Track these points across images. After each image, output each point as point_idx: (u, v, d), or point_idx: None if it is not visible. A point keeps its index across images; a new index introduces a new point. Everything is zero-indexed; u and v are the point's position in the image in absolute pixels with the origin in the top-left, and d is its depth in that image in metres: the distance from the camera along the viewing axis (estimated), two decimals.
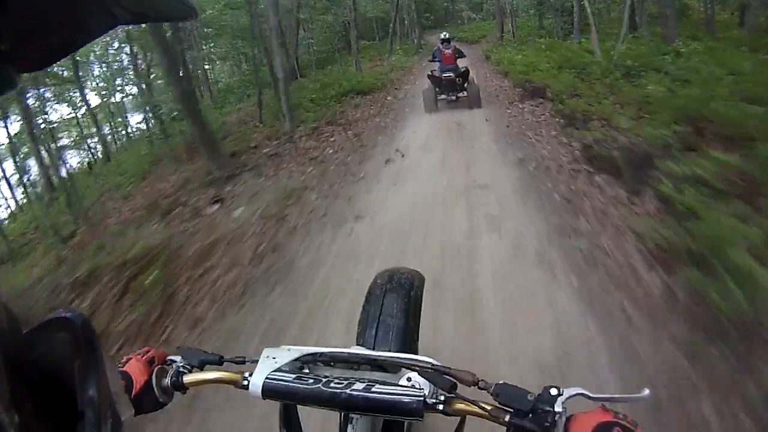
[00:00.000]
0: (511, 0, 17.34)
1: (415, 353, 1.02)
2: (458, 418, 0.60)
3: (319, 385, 0.58)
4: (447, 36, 7.66)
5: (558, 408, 0.51)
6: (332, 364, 0.65)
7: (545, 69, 8.30)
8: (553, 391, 0.52)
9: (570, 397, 0.52)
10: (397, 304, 1.05)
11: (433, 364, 0.59)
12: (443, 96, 7.28)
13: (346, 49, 18.60)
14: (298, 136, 6.96)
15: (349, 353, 0.64)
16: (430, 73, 7.32)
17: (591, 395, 0.51)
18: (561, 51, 9.79)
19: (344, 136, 6.71)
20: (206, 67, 17.84)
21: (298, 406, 0.69)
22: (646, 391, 0.51)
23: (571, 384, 0.53)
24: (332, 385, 0.58)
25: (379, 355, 0.64)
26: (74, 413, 0.26)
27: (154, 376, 0.62)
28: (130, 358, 0.65)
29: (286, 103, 7.29)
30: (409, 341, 1.00)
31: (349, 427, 0.70)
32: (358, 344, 1.00)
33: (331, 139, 6.68)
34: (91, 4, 0.25)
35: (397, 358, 0.63)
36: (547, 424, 0.50)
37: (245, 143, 7.40)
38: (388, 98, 9.64)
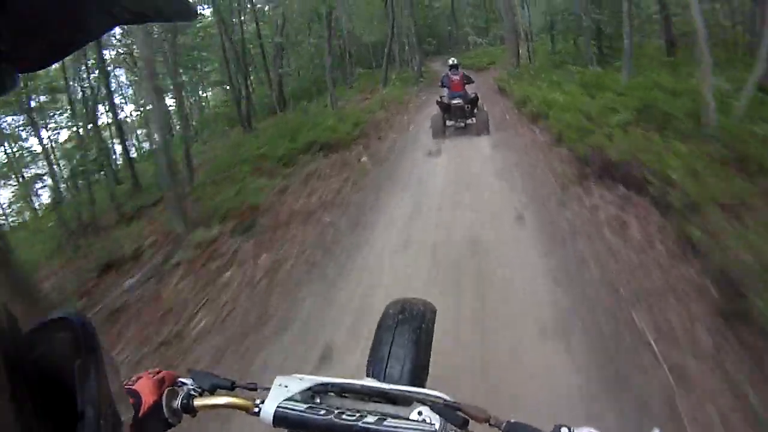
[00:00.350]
0: (528, 19, 14.99)
1: (424, 385, 1.02)
2: None
3: (331, 416, 0.58)
4: (455, 62, 7.64)
5: None
6: (343, 395, 0.65)
7: (614, 122, 4.90)
8: (564, 431, 0.52)
9: None
10: (408, 336, 1.05)
11: (445, 400, 0.59)
12: (451, 122, 7.30)
13: (342, 78, 17.07)
14: (176, 261, 3.94)
15: (361, 385, 0.64)
16: (438, 99, 7.34)
17: None
18: (618, 89, 6.26)
19: (251, 272, 3.53)
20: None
21: None
22: (656, 431, 0.51)
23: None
24: (344, 417, 0.58)
25: (391, 388, 0.64)
26: (74, 413, 0.26)
27: (164, 396, 0.62)
28: (141, 377, 0.65)
29: (187, 170, 4.98)
30: (419, 373, 1.01)
31: None
32: (368, 374, 1.01)
33: (224, 277, 3.54)
34: (91, 4, 0.25)
35: (409, 391, 0.63)
36: None
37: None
38: (363, 158, 6.37)
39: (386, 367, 0.99)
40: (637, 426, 1.67)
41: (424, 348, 1.07)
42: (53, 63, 0.27)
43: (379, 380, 0.86)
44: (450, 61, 7.71)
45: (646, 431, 0.55)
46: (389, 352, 1.02)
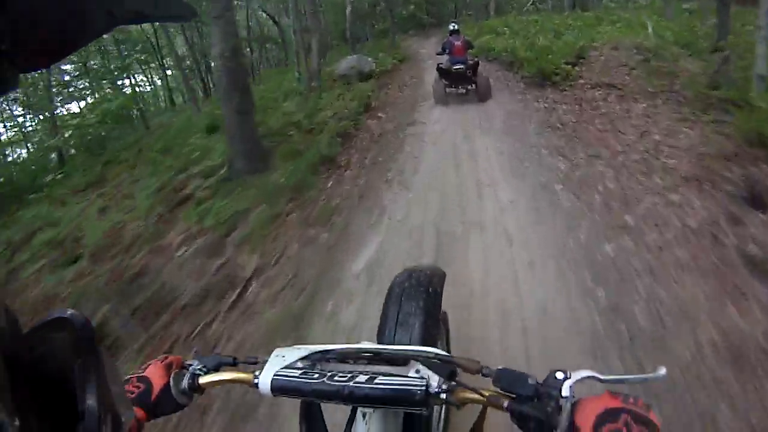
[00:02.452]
0: None
1: (436, 346, 1.03)
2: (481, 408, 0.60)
3: (324, 379, 0.59)
4: (456, 27, 7.53)
5: (565, 392, 0.48)
6: (346, 360, 0.66)
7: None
8: (560, 375, 0.50)
9: (578, 380, 0.50)
10: (415, 302, 1.07)
11: (437, 354, 0.60)
12: (452, 89, 7.19)
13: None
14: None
15: (356, 348, 0.65)
16: (439, 65, 7.20)
17: (601, 377, 0.49)
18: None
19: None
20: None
21: (322, 405, 0.71)
22: (662, 371, 0.48)
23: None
24: (336, 378, 0.58)
25: (384, 348, 0.65)
26: (74, 413, 0.26)
27: (171, 379, 0.65)
28: (150, 364, 0.68)
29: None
30: (427, 337, 1.02)
31: (362, 422, 0.70)
32: (378, 342, 1.02)
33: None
34: (91, 4, 0.25)
35: (402, 350, 0.64)
36: (550, 409, 0.48)
37: None
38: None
39: (395, 332, 1.01)
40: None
41: (432, 312, 1.08)
42: (53, 63, 0.27)
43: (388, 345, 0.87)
44: (451, 26, 7.64)
45: (650, 370, 0.50)
46: (397, 319, 1.04)
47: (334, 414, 0.74)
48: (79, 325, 0.28)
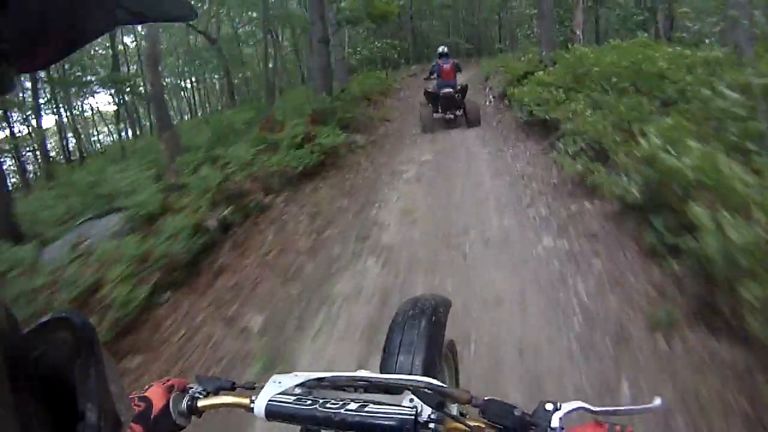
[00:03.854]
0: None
1: (436, 376, 1.04)
2: None
3: (316, 405, 0.61)
4: (445, 50, 7.43)
5: (555, 424, 0.48)
6: (343, 388, 0.68)
7: None
8: (549, 407, 0.50)
9: (568, 412, 0.49)
10: (418, 331, 1.08)
11: (429, 384, 0.60)
12: (440, 114, 7.04)
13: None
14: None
15: (348, 377, 0.67)
16: (426, 89, 7.09)
17: (592, 408, 0.49)
18: None
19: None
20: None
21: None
22: (657, 401, 0.48)
23: None
24: (328, 405, 0.61)
25: (378, 377, 0.66)
26: (74, 413, 0.26)
27: (171, 400, 0.68)
28: (151, 385, 0.71)
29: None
30: (429, 366, 1.03)
31: None
32: (381, 370, 1.04)
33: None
34: (92, 4, 0.25)
35: (395, 379, 0.65)
36: None
37: None
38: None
39: (396, 361, 1.02)
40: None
41: (435, 341, 1.09)
42: (53, 63, 0.27)
43: (389, 374, 0.87)
44: (440, 49, 7.47)
45: (647, 401, 0.48)
46: (399, 347, 1.05)
47: None
48: (79, 325, 0.28)
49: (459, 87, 6.86)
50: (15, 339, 0.24)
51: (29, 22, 0.23)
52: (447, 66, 7.07)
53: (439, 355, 1.10)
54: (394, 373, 0.96)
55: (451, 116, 7.03)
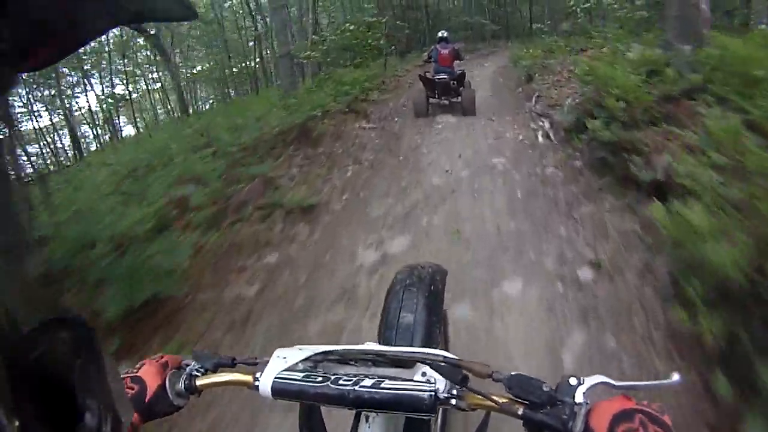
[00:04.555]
0: None
1: (437, 346, 1.01)
2: (484, 413, 0.59)
3: (328, 382, 0.57)
4: (445, 35, 7.18)
5: (579, 399, 0.48)
6: (349, 362, 0.64)
7: None
8: (573, 381, 0.50)
9: (591, 386, 0.49)
10: (417, 300, 1.04)
11: (445, 357, 0.57)
12: (435, 100, 6.86)
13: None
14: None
15: (359, 350, 0.63)
16: (421, 74, 6.87)
17: (614, 383, 0.49)
18: None
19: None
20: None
21: (322, 407, 0.69)
22: (676, 377, 0.48)
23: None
24: (341, 382, 0.57)
25: (390, 350, 0.63)
26: (74, 413, 0.26)
27: (168, 379, 0.63)
28: (144, 363, 0.65)
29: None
30: (429, 336, 1.00)
31: (365, 425, 0.68)
32: (379, 342, 1.00)
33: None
34: (92, 4, 0.25)
35: (408, 352, 0.61)
36: (565, 417, 0.47)
37: None
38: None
39: (396, 332, 0.99)
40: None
41: (434, 311, 1.06)
42: (53, 63, 0.27)
43: (390, 345, 0.85)
44: (440, 34, 7.21)
45: (663, 376, 0.49)
46: (398, 318, 1.01)
47: (333, 416, 0.73)
48: (79, 325, 0.28)
49: (456, 73, 6.67)
50: (15, 339, 0.24)
51: (29, 22, 0.23)
52: (445, 52, 6.83)
53: (438, 326, 1.07)
54: (394, 345, 0.92)
55: (446, 102, 6.84)
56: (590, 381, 0.50)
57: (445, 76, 6.58)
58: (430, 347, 0.74)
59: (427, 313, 1.03)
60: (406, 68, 11.32)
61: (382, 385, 0.55)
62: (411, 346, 0.95)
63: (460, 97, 6.73)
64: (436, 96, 6.84)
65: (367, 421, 0.68)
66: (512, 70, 9.16)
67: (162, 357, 0.67)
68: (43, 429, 0.24)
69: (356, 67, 10.31)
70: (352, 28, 10.54)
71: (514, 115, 5.90)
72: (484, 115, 6.18)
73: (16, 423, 0.21)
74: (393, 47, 13.20)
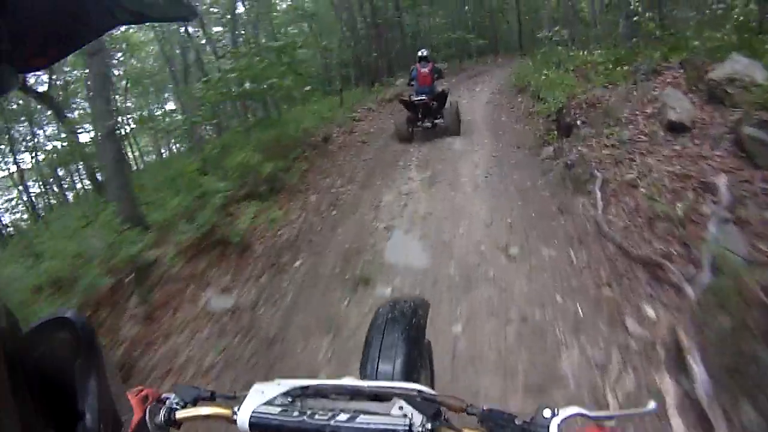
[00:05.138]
0: None
1: (418, 380, 1.03)
2: None
3: (304, 417, 0.59)
4: (425, 53, 6.79)
5: (554, 430, 0.49)
6: (327, 396, 0.66)
7: None
8: (547, 413, 0.51)
9: (566, 418, 0.50)
10: (399, 334, 1.07)
11: (420, 391, 0.59)
12: (418, 123, 6.52)
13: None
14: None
15: (335, 385, 0.65)
16: (401, 97, 6.61)
17: (590, 414, 0.50)
18: None
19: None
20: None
21: None
22: (652, 404, 0.49)
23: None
24: (316, 417, 0.59)
25: (366, 385, 0.65)
26: (74, 413, 0.26)
27: (147, 412, 0.64)
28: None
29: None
30: (411, 369, 1.02)
31: None
32: (361, 375, 1.02)
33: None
34: (92, 4, 0.25)
35: (384, 386, 0.63)
36: None
37: None
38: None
39: (377, 366, 1.00)
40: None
41: (416, 344, 1.08)
42: (53, 63, 0.27)
43: (371, 379, 0.86)
44: (420, 53, 6.83)
45: (641, 405, 0.49)
46: (379, 352, 1.03)
47: None
48: (79, 325, 0.28)
49: (437, 93, 6.44)
50: (15, 339, 0.24)
51: (29, 22, 0.23)
52: (424, 71, 6.56)
53: (420, 360, 1.09)
54: (376, 379, 0.94)
55: (428, 125, 6.48)
56: (565, 413, 0.50)
57: (425, 97, 6.29)
58: (411, 380, 0.74)
59: (409, 347, 1.04)
60: (367, 106, 8.96)
61: (357, 420, 0.57)
62: (392, 379, 0.97)
63: (442, 118, 6.37)
64: (419, 119, 6.49)
65: None
66: (511, 93, 8.03)
67: (141, 390, 0.68)
68: (43, 429, 0.24)
69: (264, 126, 7.00)
70: (243, 62, 6.30)
71: (551, 239, 2.79)
72: (487, 235, 3.04)
73: (18, 423, 0.21)
74: (357, 77, 11.44)
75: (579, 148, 3.79)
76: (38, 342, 0.27)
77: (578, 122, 4.19)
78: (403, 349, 1.03)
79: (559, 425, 0.49)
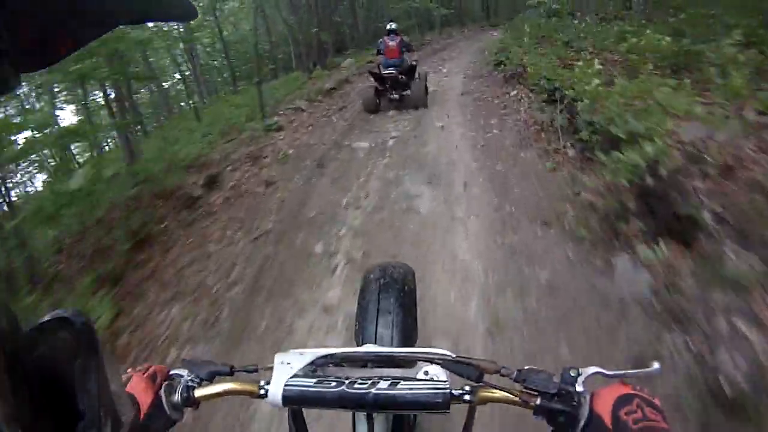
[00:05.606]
0: None
1: (414, 344, 1.03)
2: (467, 408, 0.62)
3: (343, 387, 0.57)
4: (393, 26, 6.85)
5: (579, 387, 0.54)
6: (344, 364, 0.64)
7: None
8: (573, 372, 0.55)
9: (588, 376, 0.55)
10: (393, 299, 1.06)
11: (450, 356, 0.60)
12: (386, 95, 6.63)
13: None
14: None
15: (364, 352, 0.64)
16: (370, 70, 6.75)
17: (607, 373, 0.54)
18: None
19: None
20: None
21: (304, 410, 0.69)
22: (656, 365, 0.54)
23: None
24: (356, 386, 0.57)
25: (397, 351, 0.64)
26: (74, 413, 0.26)
27: (162, 392, 0.59)
28: (130, 377, 0.61)
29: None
30: (409, 335, 1.01)
31: (366, 425, 0.69)
32: (357, 343, 1.01)
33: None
34: (92, 4, 0.25)
35: (416, 352, 0.62)
36: (574, 403, 0.53)
37: None
38: None
39: (376, 331, 0.99)
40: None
41: (410, 309, 1.08)
42: (54, 63, 0.27)
43: (375, 345, 0.86)
44: (388, 26, 6.91)
45: (646, 365, 0.52)
46: (377, 317, 1.02)
47: (313, 417, 0.72)
48: (79, 325, 0.28)
49: (406, 66, 6.53)
50: (15, 339, 0.24)
51: (30, 21, 0.23)
52: (392, 43, 6.65)
53: (414, 325, 1.08)
54: (374, 344, 0.93)
55: (396, 96, 6.54)
56: (586, 371, 0.55)
57: (393, 70, 6.39)
58: (408, 346, 0.74)
59: (404, 313, 1.04)
60: (295, 105, 6.91)
61: (398, 387, 0.56)
62: (393, 344, 0.97)
63: (410, 90, 6.48)
64: (387, 91, 6.61)
65: (369, 420, 0.69)
66: (493, 79, 6.83)
67: (149, 368, 0.62)
68: (43, 429, 0.24)
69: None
70: None
71: None
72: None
73: (17, 423, 0.21)
74: (299, 57, 8.74)
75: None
76: (38, 342, 0.27)
77: (712, 221, 1.86)
78: (399, 315, 1.02)
79: (583, 382, 0.54)
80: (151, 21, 0.30)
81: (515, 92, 5.52)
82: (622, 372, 0.54)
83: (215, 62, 15.66)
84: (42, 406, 0.24)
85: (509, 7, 15.53)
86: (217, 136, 5.29)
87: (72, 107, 11.91)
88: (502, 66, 6.81)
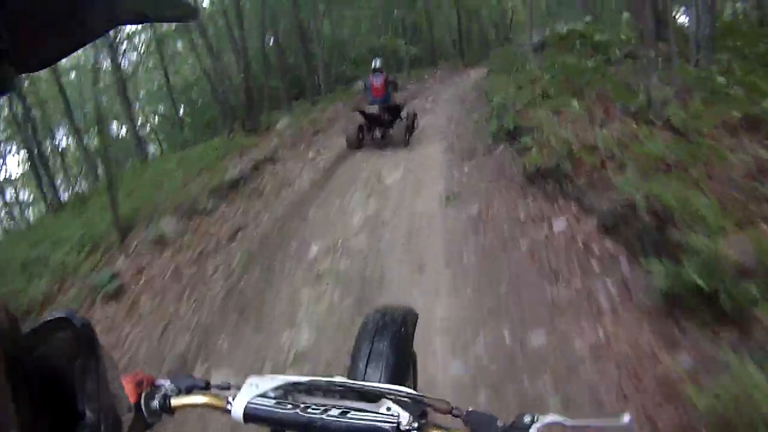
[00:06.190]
0: None
1: (405, 386, 1.06)
2: None
3: (297, 410, 0.61)
4: (378, 65, 6.91)
5: None
6: (317, 393, 0.68)
7: None
8: (527, 419, 0.53)
9: (544, 424, 0.52)
10: (388, 341, 1.10)
11: (408, 393, 0.62)
12: (370, 133, 6.71)
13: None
14: None
15: (326, 382, 0.68)
16: (355, 107, 6.86)
17: (567, 422, 0.51)
18: None
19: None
20: None
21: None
22: (626, 417, 0.50)
23: None
24: (309, 411, 0.61)
25: (356, 384, 0.68)
26: (74, 413, 0.26)
27: (143, 397, 0.66)
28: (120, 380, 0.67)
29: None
30: (398, 376, 1.05)
31: None
32: (349, 378, 1.05)
33: None
34: (92, 4, 0.25)
35: (373, 386, 0.66)
36: None
37: None
38: None
39: (365, 370, 1.04)
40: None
41: (403, 352, 1.11)
42: (54, 63, 0.27)
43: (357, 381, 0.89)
44: (374, 64, 6.97)
45: (614, 414, 0.49)
46: (369, 356, 1.06)
47: None
48: (79, 325, 0.28)
49: (390, 105, 6.63)
50: (15, 339, 0.24)
51: (29, 21, 0.23)
52: (377, 82, 6.72)
53: (406, 367, 1.12)
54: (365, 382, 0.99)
55: (379, 135, 6.69)
56: (544, 419, 0.52)
57: (375, 108, 6.45)
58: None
59: (396, 354, 1.08)
60: (162, 229, 3.49)
61: (348, 416, 0.60)
62: (379, 382, 1.01)
63: (392, 129, 6.50)
64: (370, 129, 6.65)
65: None
66: (499, 165, 4.00)
67: (137, 374, 0.69)
68: (43, 429, 0.24)
69: None
70: None
71: None
72: None
73: (17, 423, 0.21)
74: (248, 109, 7.44)
75: None
76: (38, 342, 0.27)
77: None
78: (390, 356, 1.06)
79: (538, 430, 0.51)
80: (152, 21, 0.30)
81: (564, 223, 2.57)
82: (585, 422, 0.50)
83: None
84: (42, 406, 0.24)
85: (482, 43, 15.20)
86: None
87: None
88: (509, 137, 3.85)
